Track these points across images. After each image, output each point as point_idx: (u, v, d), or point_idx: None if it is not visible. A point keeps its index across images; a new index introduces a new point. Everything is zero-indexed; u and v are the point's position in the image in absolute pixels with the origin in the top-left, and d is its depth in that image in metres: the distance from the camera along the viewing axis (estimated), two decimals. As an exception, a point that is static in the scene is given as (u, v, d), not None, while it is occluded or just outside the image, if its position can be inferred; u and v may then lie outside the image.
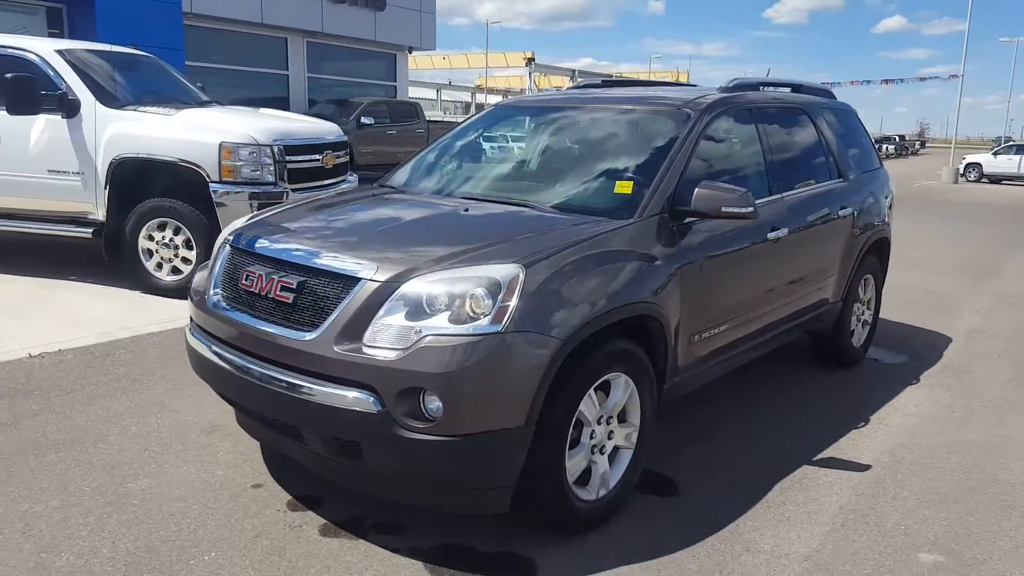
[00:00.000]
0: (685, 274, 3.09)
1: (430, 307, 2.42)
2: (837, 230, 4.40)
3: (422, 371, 2.32)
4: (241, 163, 5.74)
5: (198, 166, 5.69)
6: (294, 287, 2.61)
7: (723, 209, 3.08)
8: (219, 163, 5.66)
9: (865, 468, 3.48)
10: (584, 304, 2.59)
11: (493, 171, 3.67)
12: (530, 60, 39.19)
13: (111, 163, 5.80)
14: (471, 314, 2.40)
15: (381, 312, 2.42)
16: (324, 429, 2.50)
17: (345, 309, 2.46)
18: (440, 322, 2.39)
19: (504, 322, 2.39)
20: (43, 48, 6.00)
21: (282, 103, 17.26)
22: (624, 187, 3.20)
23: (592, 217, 3.02)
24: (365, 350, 2.40)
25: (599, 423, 2.81)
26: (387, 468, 2.48)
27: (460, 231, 2.95)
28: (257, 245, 2.86)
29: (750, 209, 3.09)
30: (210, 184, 5.67)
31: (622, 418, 2.96)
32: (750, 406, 4.20)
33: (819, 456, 3.58)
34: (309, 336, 2.49)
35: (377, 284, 2.46)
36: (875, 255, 4.94)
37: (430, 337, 2.36)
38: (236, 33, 16.06)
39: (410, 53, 20.44)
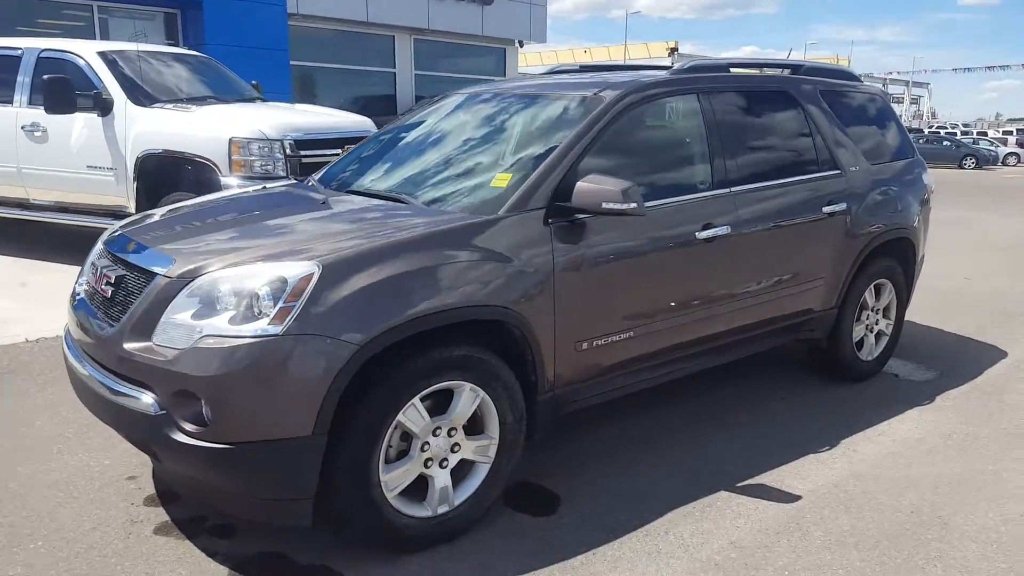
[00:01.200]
0: (566, 276, 2.81)
1: (217, 305, 2.32)
2: (824, 228, 3.87)
3: (190, 374, 2.24)
4: (252, 157, 5.89)
5: (211, 160, 5.89)
6: (113, 281, 2.59)
7: (603, 205, 2.77)
8: (229, 157, 5.83)
9: (792, 499, 3.04)
10: (396, 307, 2.40)
11: (400, 162, 3.50)
12: (672, 50, 38.02)
13: (137, 158, 6.13)
14: (254, 314, 2.28)
15: (170, 309, 2.34)
16: (123, 430, 2.47)
17: (140, 305, 2.41)
18: (221, 322, 2.28)
19: (286, 324, 2.25)
20: (86, 50, 6.45)
21: (389, 101, 17.79)
22: (501, 180, 2.95)
23: (457, 213, 2.80)
24: (153, 348, 2.34)
25: (435, 435, 2.59)
26: (178, 473, 2.41)
27: (289, 227, 2.82)
28: (109, 240, 2.88)
29: (632, 206, 2.75)
30: (221, 179, 5.85)
31: (476, 430, 2.72)
32: (707, 416, 3.83)
33: (746, 482, 3.17)
34: (109, 332, 2.46)
35: (169, 280, 2.39)
36: (891, 258, 4.32)
37: (208, 338, 2.27)
38: (343, 32, 16.66)
39: (520, 47, 20.39)
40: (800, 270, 3.81)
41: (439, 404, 2.61)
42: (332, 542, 2.63)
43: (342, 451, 2.38)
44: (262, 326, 2.27)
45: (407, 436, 2.57)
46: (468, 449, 2.71)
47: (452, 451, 2.67)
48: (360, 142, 4.15)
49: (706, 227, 3.28)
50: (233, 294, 2.32)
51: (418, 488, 2.62)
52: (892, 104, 4.76)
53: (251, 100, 7.24)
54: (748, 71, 4.04)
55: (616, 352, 3.08)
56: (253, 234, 2.76)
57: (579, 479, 3.16)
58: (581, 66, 4.45)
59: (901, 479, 3.23)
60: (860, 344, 4.35)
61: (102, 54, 6.44)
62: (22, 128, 6.43)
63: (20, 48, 6.76)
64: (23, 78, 6.56)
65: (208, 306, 2.33)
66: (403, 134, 3.78)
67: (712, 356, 3.57)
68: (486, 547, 2.67)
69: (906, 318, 4.71)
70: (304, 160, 6.15)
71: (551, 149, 2.99)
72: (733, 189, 3.46)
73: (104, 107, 6.19)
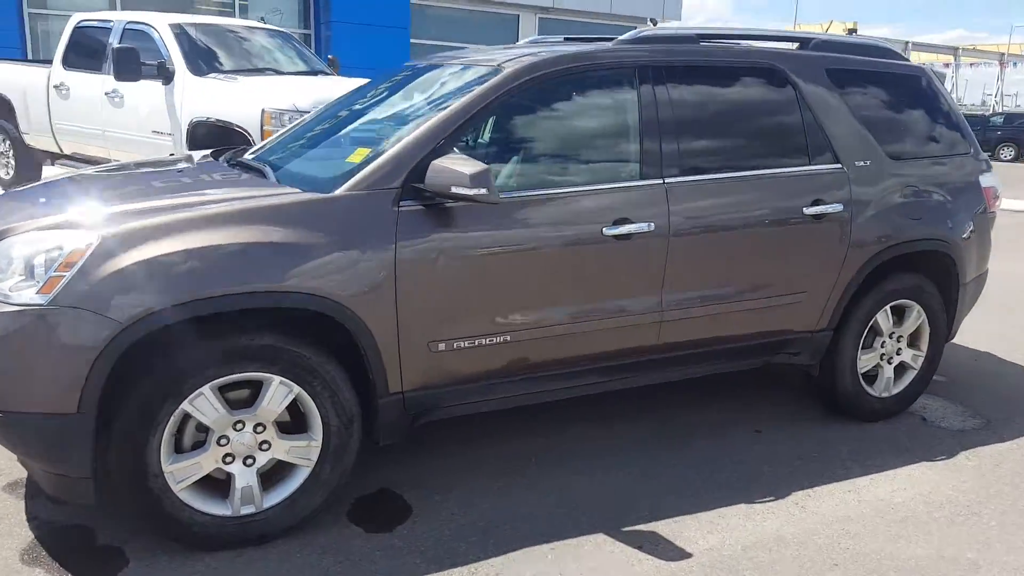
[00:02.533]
0: (415, 267, 2.49)
1: (6, 270, 2.22)
2: (807, 233, 3.22)
3: (-32, 335, 2.14)
4: (283, 128, 5.90)
5: (246, 130, 5.97)
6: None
7: (452, 189, 2.41)
8: (261, 127, 5.88)
9: (678, 557, 2.54)
10: (179, 286, 2.19)
11: (308, 136, 3.26)
12: (851, 31, 35.19)
13: (190, 125, 6.34)
14: (29, 282, 2.16)
15: None
16: None
17: None
18: (5, 286, 2.19)
19: (53, 294, 2.13)
20: (159, 22, 6.77)
21: (513, 80, 17.59)
22: (357, 156, 2.65)
23: (293, 189, 2.54)
24: None
25: (236, 429, 2.37)
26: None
27: (116, 196, 2.65)
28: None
29: (480, 192, 2.38)
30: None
31: (297, 429, 2.47)
32: (657, 439, 3.37)
33: (637, 526, 2.70)
34: None
35: None
36: (919, 275, 3.53)
37: None
38: (467, 11, 16.68)
39: (653, 25, 19.44)
40: (768, 281, 3.19)
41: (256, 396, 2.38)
42: (143, 527, 2.47)
43: (113, 434, 2.22)
44: (30, 295, 2.16)
45: (204, 427, 2.35)
46: (280, 449, 2.46)
47: (261, 449, 2.43)
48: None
49: (619, 223, 2.78)
50: (22, 259, 2.23)
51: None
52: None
53: (315, 74, 7.29)
54: (729, 44, 3.39)
55: (488, 357, 2.70)
56: (75, 201, 2.62)
57: (447, 495, 2.83)
58: (565, 38, 3.94)
59: (835, 553, 2.61)
60: (873, 376, 3.60)
61: (173, 25, 6.72)
62: (105, 94, 6.87)
63: (111, 20, 7.22)
64: (110, 48, 6.99)
65: (2, 270, 2.23)
66: (339, 107, 3.54)
67: (640, 373, 3.08)
68: (285, 559, 2.41)
69: (980, 348, 3.87)
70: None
71: (417, 123, 2.65)
72: (668, 180, 2.92)
73: (167, 76, 6.46)
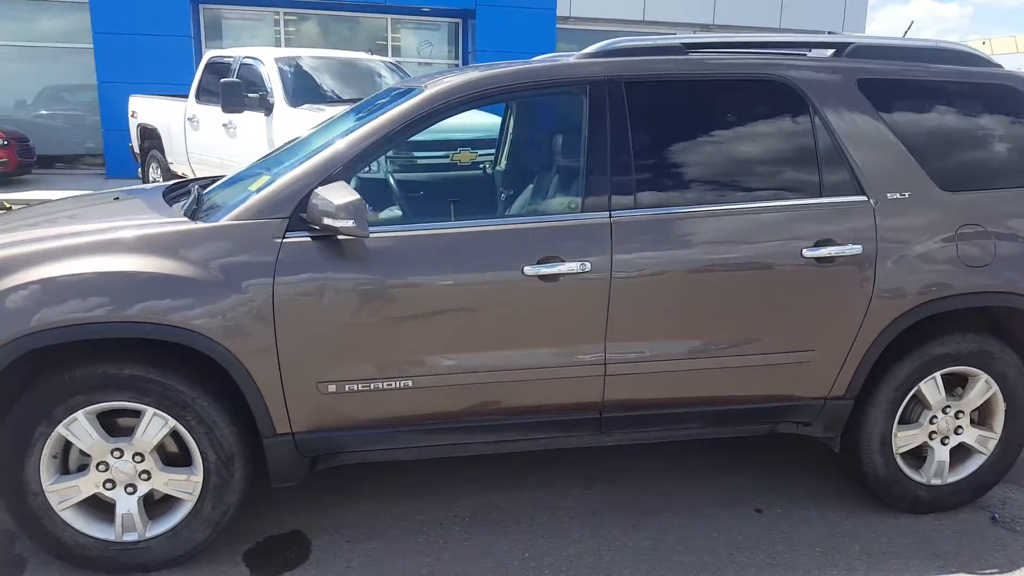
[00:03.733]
0: (298, 303, 2.37)
1: None
2: (811, 278, 2.68)
3: None
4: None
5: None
6: None
7: (324, 221, 2.25)
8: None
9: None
10: (28, 316, 2.22)
11: (265, 163, 3.21)
12: None
13: (285, 152, 6.70)
14: None
15: None
16: None
17: None
18: None
19: None
20: (267, 56, 7.24)
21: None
22: (259, 183, 2.56)
23: (181, 218, 2.50)
24: None
25: (116, 456, 2.37)
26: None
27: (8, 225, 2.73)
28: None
29: (348, 224, 2.21)
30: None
31: (184, 462, 2.43)
32: (614, 509, 2.93)
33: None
34: None
35: None
36: (987, 336, 2.81)
37: None
38: (615, 33, 16.29)
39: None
40: (755, 335, 2.68)
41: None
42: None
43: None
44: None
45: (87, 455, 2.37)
46: (160, 480, 2.43)
47: (141, 478, 2.40)
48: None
49: (545, 261, 2.44)
50: None
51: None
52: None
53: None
54: (729, 54, 2.87)
55: (388, 403, 2.49)
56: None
57: (356, 546, 2.66)
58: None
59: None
60: (921, 457, 2.90)
61: (278, 59, 7.16)
62: (223, 125, 7.46)
63: (232, 56, 7.85)
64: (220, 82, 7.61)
65: None
66: (311, 134, 3.43)
67: (581, 433, 2.70)
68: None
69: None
70: (418, 160, 6.14)
71: (323, 148, 2.50)
72: (615, 214, 2.53)
73: (267, 107, 6.88)
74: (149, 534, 2.44)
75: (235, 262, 2.34)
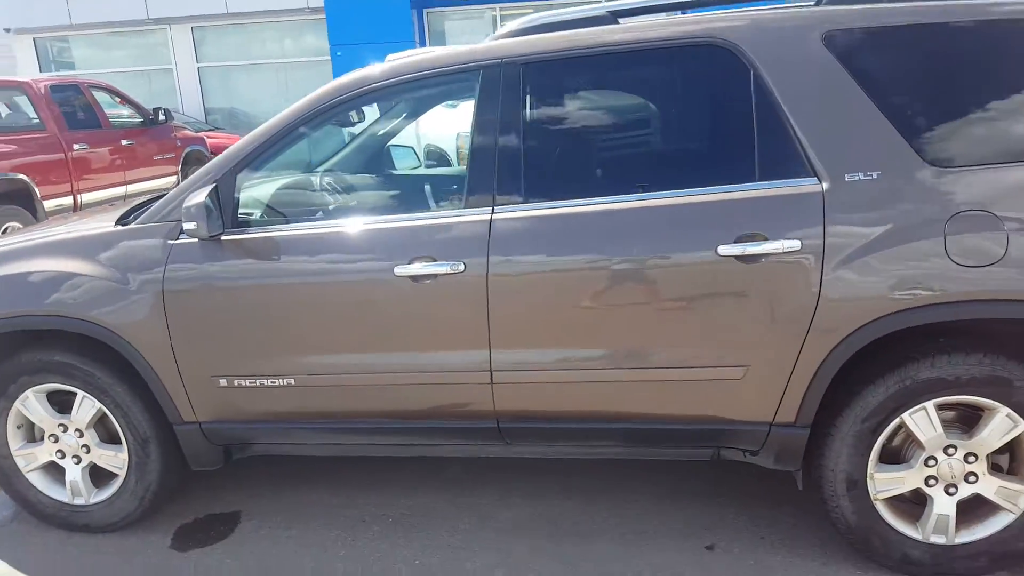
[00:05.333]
0: (184, 300, 2.54)
1: None
2: (733, 281, 2.24)
3: None
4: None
5: (444, 151, 6.40)
6: None
7: (184, 225, 2.36)
8: (456, 150, 6.25)
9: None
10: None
11: None
12: None
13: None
14: None
15: None
16: None
17: None
18: None
19: None
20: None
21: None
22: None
23: (118, 225, 2.73)
24: None
25: (63, 432, 2.74)
26: None
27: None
28: None
29: (191, 226, 2.31)
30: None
31: (117, 440, 2.70)
32: (541, 532, 2.71)
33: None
34: None
35: None
36: (987, 357, 2.16)
37: None
38: None
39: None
40: (667, 345, 2.31)
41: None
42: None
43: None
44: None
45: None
46: (96, 455, 2.74)
47: (83, 451, 2.71)
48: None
49: (416, 261, 2.31)
50: None
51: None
52: None
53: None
54: (657, 18, 2.42)
55: (274, 400, 2.56)
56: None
57: (277, 530, 2.73)
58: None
59: None
60: (920, 505, 2.30)
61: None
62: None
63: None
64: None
65: None
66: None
67: (472, 440, 2.55)
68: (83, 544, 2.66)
69: None
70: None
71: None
72: (498, 210, 2.31)
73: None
74: (92, 500, 2.78)
75: (134, 262, 2.55)
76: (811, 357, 2.21)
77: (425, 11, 14.65)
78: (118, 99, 9.46)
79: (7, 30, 16.69)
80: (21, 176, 7.19)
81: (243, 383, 2.55)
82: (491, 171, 2.36)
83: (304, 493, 3.01)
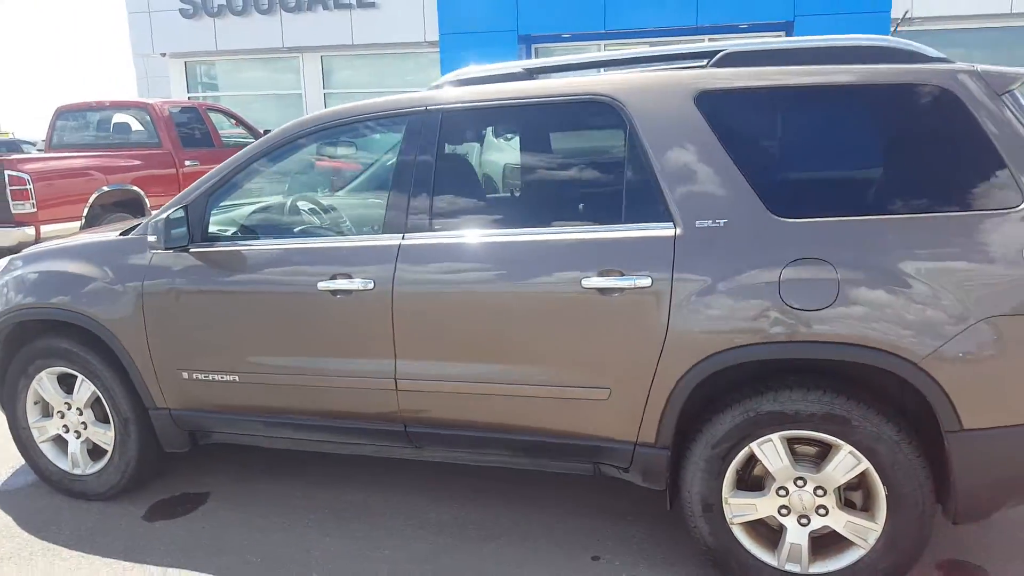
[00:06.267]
0: (157, 303, 3.03)
1: None
2: (595, 311, 2.46)
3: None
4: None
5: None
6: None
7: (148, 238, 2.89)
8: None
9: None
10: (10, 300, 3.23)
11: None
12: None
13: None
14: None
15: None
16: None
17: None
18: None
19: None
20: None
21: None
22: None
23: (120, 236, 3.27)
24: None
25: (67, 410, 3.28)
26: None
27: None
28: None
29: (151, 238, 2.82)
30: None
31: (106, 420, 3.23)
32: (425, 535, 3.00)
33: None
34: None
35: None
36: (849, 399, 2.29)
37: None
38: (970, 31, 14.02)
39: None
40: (543, 366, 2.56)
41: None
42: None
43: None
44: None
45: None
46: (91, 432, 3.26)
47: (82, 428, 3.24)
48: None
49: (336, 277, 2.70)
50: None
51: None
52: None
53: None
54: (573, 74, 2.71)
55: (223, 393, 2.99)
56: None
57: (226, 515, 3.15)
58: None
59: None
60: (778, 534, 2.44)
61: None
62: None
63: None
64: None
65: None
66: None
67: (382, 442, 2.88)
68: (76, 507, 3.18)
69: None
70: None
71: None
72: (407, 237, 2.67)
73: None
74: (88, 471, 3.31)
75: (124, 268, 3.06)
76: (663, 384, 2.41)
77: (534, 47, 15.36)
78: (233, 120, 10.63)
79: (163, 55, 18.81)
80: (134, 187, 8.34)
81: (198, 376, 3.01)
82: (406, 202, 2.74)
83: (270, 483, 3.43)
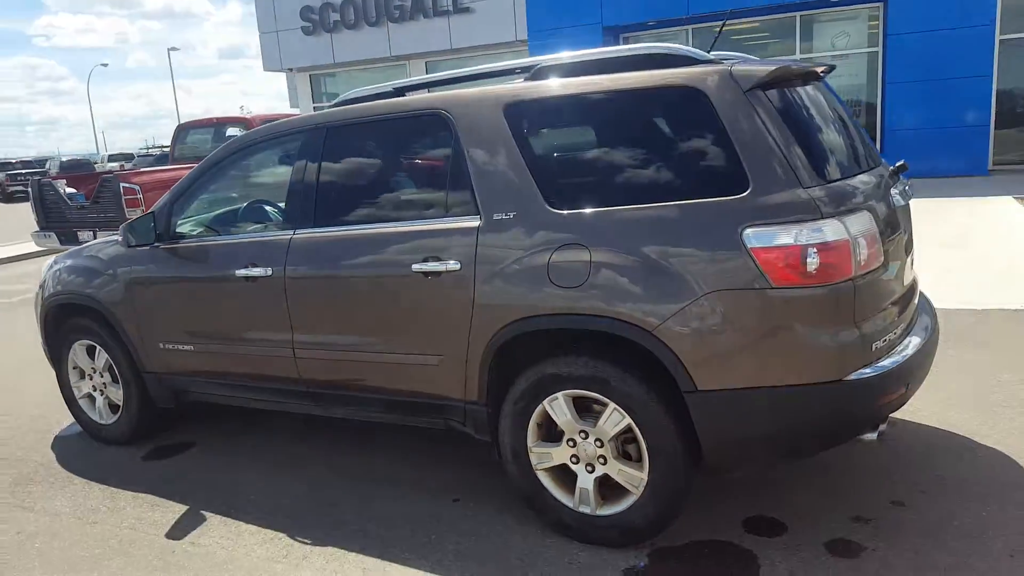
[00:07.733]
0: (139, 288, 3.90)
1: None
2: (422, 291, 3.02)
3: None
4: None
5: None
6: None
7: (118, 237, 3.72)
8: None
9: None
10: (58, 286, 4.20)
11: None
12: None
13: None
14: None
15: None
16: None
17: None
18: None
19: None
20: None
21: None
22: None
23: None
24: None
25: (94, 371, 4.23)
26: None
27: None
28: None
29: (119, 238, 3.61)
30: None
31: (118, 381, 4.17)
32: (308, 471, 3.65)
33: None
34: None
35: None
36: (607, 362, 2.71)
37: None
38: None
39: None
40: (394, 337, 3.14)
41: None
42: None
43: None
44: (42, 286, 4.44)
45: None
46: (110, 392, 4.22)
47: (104, 387, 4.19)
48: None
49: (248, 266, 3.41)
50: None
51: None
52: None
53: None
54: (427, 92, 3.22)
55: (187, 360, 3.80)
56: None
57: (207, 462, 3.97)
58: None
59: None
60: (572, 483, 2.88)
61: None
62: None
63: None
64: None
65: None
66: None
67: (288, 401, 3.59)
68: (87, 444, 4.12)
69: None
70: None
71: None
72: (297, 232, 3.35)
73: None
74: (109, 422, 4.25)
75: (118, 259, 3.93)
76: (476, 350, 2.91)
77: (621, 36, 15.60)
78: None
79: (290, 70, 20.85)
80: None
81: (170, 347, 3.85)
82: (298, 203, 3.39)
83: (248, 437, 4.22)
